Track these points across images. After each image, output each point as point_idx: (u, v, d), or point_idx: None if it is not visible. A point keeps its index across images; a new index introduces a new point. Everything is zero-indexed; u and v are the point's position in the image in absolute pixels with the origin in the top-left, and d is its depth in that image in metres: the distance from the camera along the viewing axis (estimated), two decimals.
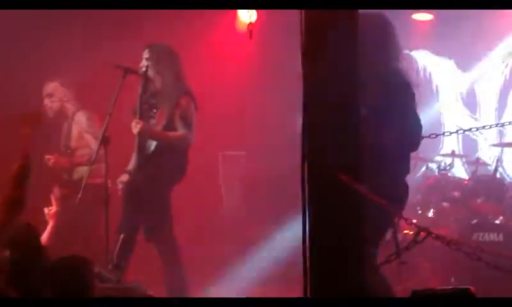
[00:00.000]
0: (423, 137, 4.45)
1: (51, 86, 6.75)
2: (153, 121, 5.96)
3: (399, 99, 4.27)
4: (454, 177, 7.86)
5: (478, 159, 7.96)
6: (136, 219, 5.86)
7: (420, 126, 4.37)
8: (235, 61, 8.44)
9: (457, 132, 4.97)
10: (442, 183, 7.47)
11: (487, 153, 8.80)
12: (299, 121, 3.14)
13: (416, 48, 9.15)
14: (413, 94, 4.37)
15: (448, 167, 7.57)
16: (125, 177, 5.96)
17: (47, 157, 6.58)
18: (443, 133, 5.12)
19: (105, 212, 5.62)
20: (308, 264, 2.98)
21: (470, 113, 9.18)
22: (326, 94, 3.07)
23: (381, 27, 4.28)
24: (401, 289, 6.07)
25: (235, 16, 8.57)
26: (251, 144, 8.47)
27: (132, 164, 6.04)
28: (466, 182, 7.65)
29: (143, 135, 5.89)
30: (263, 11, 7.28)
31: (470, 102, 9.19)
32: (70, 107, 6.75)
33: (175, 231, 6.04)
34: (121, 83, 5.77)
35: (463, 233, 6.72)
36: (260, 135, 8.26)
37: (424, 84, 8.83)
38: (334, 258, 3.00)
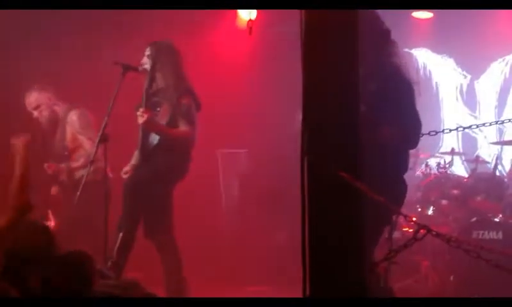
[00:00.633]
0: (422, 135, 4.45)
1: (33, 98, 6.60)
2: (156, 119, 5.95)
3: (397, 96, 4.26)
4: (454, 175, 7.86)
5: (478, 157, 7.96)
6: (137, 216, 5.85)
7: (419, 124, 4.37)
8: (235, 59, 8.44)
9: (456, 129, 4.96)
10: (442, 181, 7.47)
11: (487, 151, 8.81)
12: (299, 119, 3.14)
13: (416, 46, 9.15)
14: (412, 91, 4.37)
15: (447, 165, 7.58)
16: (127, 171, 5.95)
17: (46, 165, 6.53)
18: (443, 131, 5.11)
19: (105, 209, 5.62)
20: (307, 263, 2.98)
21: (469, 111, 9.18)
22: (326, 92, 3.07)
23: (374, 24, 4.27)
24: (401, 287, 6.11)
25: (235, 14, 8.56)
26: (250, 142, 8.47)
27: (134, 161, 6.03)
28: (465, 180, 7.65)
29: (148, 126, 5.86)
30: (263, 10, 7.29)
31: (470, 100, 9.19)
32: (58, 109, 6.65)
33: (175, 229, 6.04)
34: (121, 80, 5.76)
35: (463, 231, 6.73)
36: (260, 133, 8.26)
37: (424, 82, 8.83)
38: (334, 257, 2.99)
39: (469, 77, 9.17)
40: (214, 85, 7.73)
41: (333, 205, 3.02)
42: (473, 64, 9.07)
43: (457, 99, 9.24)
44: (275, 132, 8.08)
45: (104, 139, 5.74)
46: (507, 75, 9.07)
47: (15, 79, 7.18)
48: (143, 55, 6.03)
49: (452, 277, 6.64)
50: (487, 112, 9.09)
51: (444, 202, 7.36)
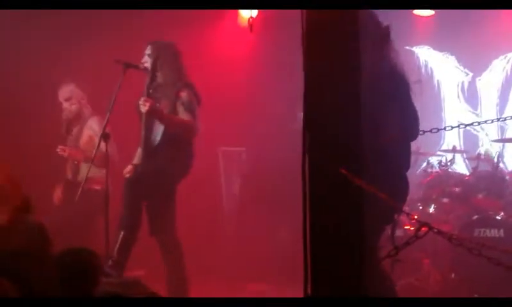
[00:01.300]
0: (424, 132, 4.43)
1: (68, 89, 6.77)
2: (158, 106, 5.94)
3: (393, 92, 4.25)
4: (455, 173, 7.85)
5: (479, 155, 7.95)
6: (138, 214, 5.85)
7: (417, 116, 4.35)
8: (236, 57, 8.44)
9: (458, 126, 4.96)
10: (443, 179, 7.46)
11: (488, 149, 8.80)
12: (300, 116, 3.13)
13: (418, 43, 9.14)
14: (407, 84, 4.35)
15: (449, 163, 7.57)
16: (130, 170, 5.94)
17: (61, 147, 6.61)
18: (445, 128, 5.10)
19: (105, 207, 5.62)
20: (308, 261, 2.97)
21: (471, 109, 9.17)
22: (327, 90, 3.06)
23: (372, 24, 4.25)
24: (402, 284, 6.10)
25: (236, 12, 8.56)
26: (251, 140, 8.47)
27: (136, 160, 6.03)
28: (467, 178, 7.64)
29: (152, 114, 5.83)
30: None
31: (472, 97, 9.18)
32: (85, 110, 6.80)
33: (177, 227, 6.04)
34: (122, 78, 5.76)
35: (464, 229, 6.72)
36: (261, 131, 8.26)
37: (426, 80, 8.82)
38: (335, 255, 2.99)
39: (471, 74, 9.15)
40: (215, 82, 7.72)
41: (334, 203, 3.02)
42: (474, 62, 9.06)
43: (458, 97, 9.23)
44: (276, 129, 8.08)
45: (105, 138, 5.74)
46: (509, 73, 9.05)
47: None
48: (144, 54, 6.04)
49: (453, 275, 6.63)
50: (488, 109, 9.08)
51: (445, 200, 7.35)
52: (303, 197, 3.02)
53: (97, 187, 6.35)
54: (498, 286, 6.25)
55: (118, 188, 5.98)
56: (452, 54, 9.16)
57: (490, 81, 9.10)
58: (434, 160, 7.84)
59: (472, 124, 4.80)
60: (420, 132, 4.36)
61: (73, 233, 6.04)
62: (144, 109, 5.79)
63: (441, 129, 4.96)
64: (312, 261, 2.98)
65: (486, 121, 5.02)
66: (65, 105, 6.75)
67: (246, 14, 8.11)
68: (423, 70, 9.16)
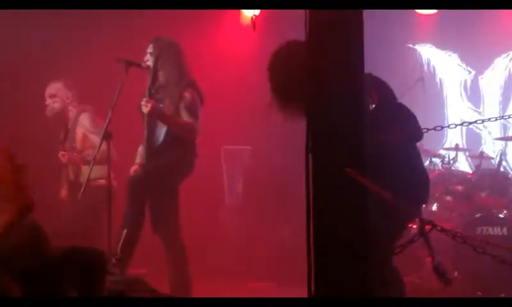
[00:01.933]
0: (428, 130, 4.42)
1: (54, 87, 6.75)
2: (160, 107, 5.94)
3: (384, 95, 4.21)
4: (458, 171, 7.85)
5: (482, 153, 7.94)
6: (141, 213, 5.85)
7: (413, 116, 4.30)
8: (238, 56, 8.44)
9: (461, 124, 4.95)
10: (446, 177, 7.46)
11: (491, 147, 8.80)
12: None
13: (420, 41, 9.14)
14: (391, 91, 4.28)
15: (452, 161, 7.57)
16: (136, 169, 5.94)
17: (61, 153, 6.59)
18: (448, 126, 5.10)
19: (108, 205, 5.61)
20: (312, 261, 2.96)
21: (474, 107, 9.16)
22: (331, 89, 3.06)
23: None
24: (404, 283, 6.09)
25: (239, 11, 8.56)
26: (254, 139, 8.46)
27: (139, 158, 6.03)
28: (470, 176, 7.63)
29: (153, 115, 5.83)
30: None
31: (474, 95, 9.17)
32: (71, 109, 6.76)
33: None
34: (124, 77, 5.75)
35: (467, 227, 6.71)
36: (264, 129, 8.25)
37: (428, 78, 8.82)
38: (339, 255, 2.97)
39: (473, 72, 9.15)
40: (218, 81, 7.73)
41: (338, 202, 3.01)
42: (477, 60, 9.05)
43: (461, 95, 9.23)
44: (280, 128, 8.07)
45: (107, 137, 5.74)
46: (511, 71, 9.05)
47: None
48: (146, 52, 6.03)
49: (456, 273, 6.62)
50: (491, 107, 9.08)
51: (448, 198, 7.35)
52: (306, 196, 3.01)
53: (101, 184, 6.33)
54: (501, 284, 6.25)
55: (120, 186, 5.97)
56: (454, 52, 9.16)
57: (493, 79, 9.09)
58: (437, 158, 7.84)
59: (475, 122, 4.78)
60: (424, 130, 4.34)
61: (78, 231, 6.06)
62: (146, 110, 5.79)
63: (445, 127, 4.97)
64: (315, 261, 2.97)
65: (489, 119, 5.01)
66: (48, 101, 6.73)
67: (249, 13, 8.10)
68: (425, 67, 9.15)
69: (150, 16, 7.44)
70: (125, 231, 5.69)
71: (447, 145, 8.63)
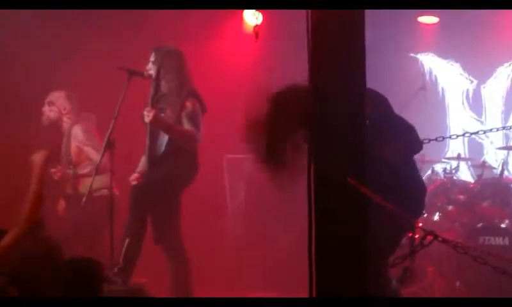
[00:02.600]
0: (430, 140, 4.42)
1: (55, 95, 6.69)
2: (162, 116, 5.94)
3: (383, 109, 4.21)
4: (460, 180, 7.85)
5: (484, 162, 7.94)
6: (143, 222, 5.84)
7: (412, 128, 4.31)
8: (241, 64, 8.44)
9: (464, 134, 4.95)
10: (448, 187, 7.45)
11: (493, 157, 8.79)
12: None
13: (422, 51, 9.13)
14: (388, 105, 4.27)
15: (454, 171, 7.56)
16: (136, 178, 5.94)
17: (53, 170, 6.51)
18: (450, 136, 5.08)
19: (110, 215, 5.61)
20: (313, 268, 2.96)
21: (476, 116, 9.16)
22: (333, 95, 3.06)
23: None
24: (406, 294, 6.08)
25: (241, 19, 8.57)
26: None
27: (141, 167, 6.03)
28: (471, 185, 7.63)
29: (155, 124, 5.83)
30: (269, 14, 7.28)
31: (476, 105, 9.17)
32: (66, 120, 6.66)
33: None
34: (127, 86, 5.76)
35: (469, 237, 6.70)
36: None
37: (430, 87, 8.82)
38: (340, 262, 2.98)
39: (475, 82, 9.15)
40: (220, 90, 7.72)
41: (339, 209, 3.01)
42: (479, 69, 9.05)
43: (463, 104, 9.22)
44: None
45: (109, 146, 5.73)
46: None
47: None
48: (148, 61, 6.03)
49: (458, 284, 6.61)
50: (493, 117, 9.07)
51: (450, 207, 7.34)
52: (308, 205, 3.01)
53: (103, 194, 6.30)
54: (503, 295, 6.23)
55: (122, 196, 5.97)
56: (456, 61, 9.16)
57: (495, 88, 9.09)
58: (438, 167, 7.84)
59: (477, 132, 4.79)
60: (426, 140, 4.34)
61: (80, 242, 6.05)
62: (147, 119, 5.79)
63: (447, 137, 4.95)
64: (316, 269, 2.97)
65: (491, 130, 5.00)
66: (45, 108, 6.67)
67: (251, 22, 8.11)
68: (427, 77, 9.14)
69: (152, 25, 7.45)
70: (127, 240, 5.69)
71: (449, 154, 8.62)
